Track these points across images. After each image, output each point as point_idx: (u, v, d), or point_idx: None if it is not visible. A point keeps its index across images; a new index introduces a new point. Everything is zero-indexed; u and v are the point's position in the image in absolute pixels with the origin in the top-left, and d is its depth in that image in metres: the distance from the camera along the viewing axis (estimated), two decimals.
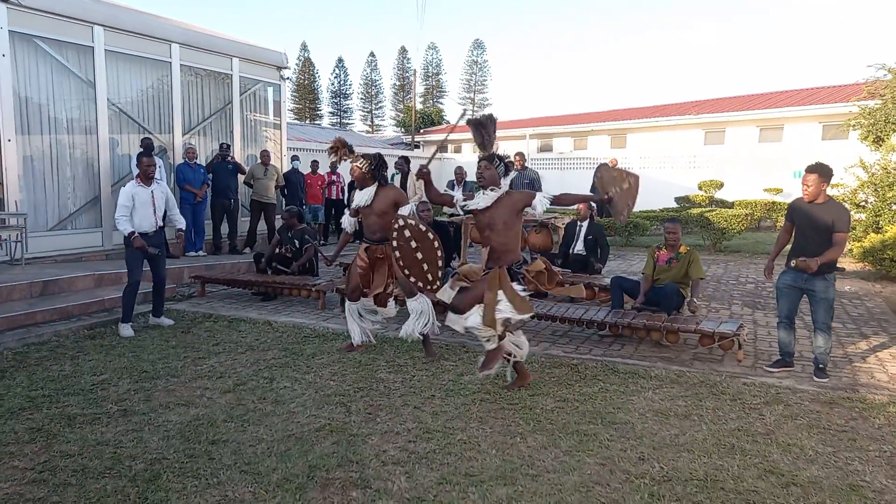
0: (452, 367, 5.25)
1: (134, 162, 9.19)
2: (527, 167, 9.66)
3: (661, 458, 3.62)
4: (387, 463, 3.55)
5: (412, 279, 5.03)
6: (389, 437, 3.90)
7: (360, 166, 5.43)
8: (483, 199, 4.61)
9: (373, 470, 3.46)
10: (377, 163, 5.47)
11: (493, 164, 4.62)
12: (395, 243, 4.98)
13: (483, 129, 4.69)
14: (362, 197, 5.48)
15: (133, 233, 6.14)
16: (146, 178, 6.35)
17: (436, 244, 4.94)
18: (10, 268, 7.87)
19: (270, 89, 12.61)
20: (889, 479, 3.39)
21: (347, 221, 5.84)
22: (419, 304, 5.41)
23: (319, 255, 7.49)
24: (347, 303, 5.79)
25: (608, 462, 3.57)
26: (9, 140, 8.18)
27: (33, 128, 8.58)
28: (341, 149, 5.53)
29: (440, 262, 4.95)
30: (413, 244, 4.94)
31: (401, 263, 5.01)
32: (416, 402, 4.47)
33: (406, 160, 11.16)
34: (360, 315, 5.76)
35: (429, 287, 5.03)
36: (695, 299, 5.99)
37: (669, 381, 4.90)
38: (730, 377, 5.00)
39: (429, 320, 5.40)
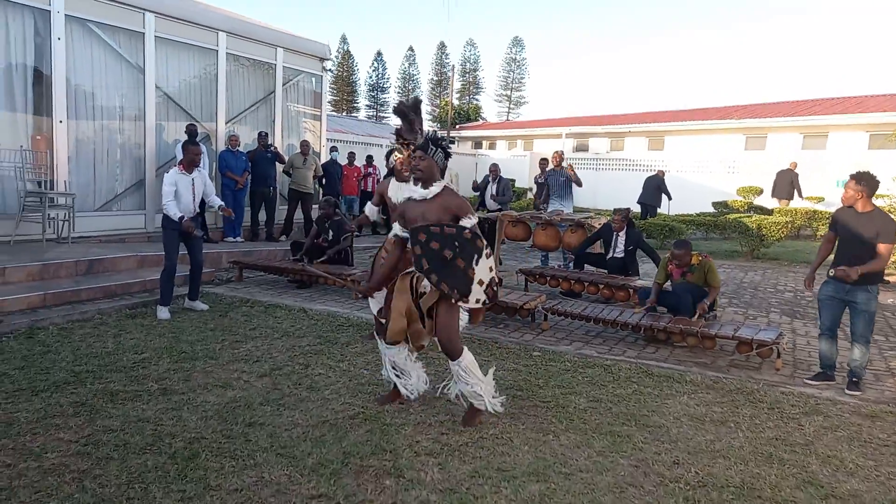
0: (485, 363, 5.23)
1: (178, 147, 9.39)
2: (563, 166, 9.60)
3: (697, 463, 3.58)
4: (420, 453, 3.57)
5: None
6: (422, 427, 3.93)
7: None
8: (419, 192, 3.97)
9: (406, 459, 3.49)
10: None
11: (428, 154, 3.92)
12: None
13: (404, 116, 4.44)
14: (405, 191, 5.48)
15: (183, 217, 6.27)
16: (191, 165, 6.47)
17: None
18: (57, 245, 8.11)
19: (312, 80, 12.75)
20: None
21: (370, 208, 5.84)
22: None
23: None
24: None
25: (642, 464, 3.54)
26: (60, 121, 8.42)
27: (84, 111, 8.82)
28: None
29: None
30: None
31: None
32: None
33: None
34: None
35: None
36: (706, 301, 5.96)
37: (705, 387, 4.84)
38: (767, 385, 4.92)
39: None
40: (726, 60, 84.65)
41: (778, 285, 9.50)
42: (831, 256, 5.17)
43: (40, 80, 8.36)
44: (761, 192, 19.06)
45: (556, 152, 9.65)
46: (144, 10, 9.25)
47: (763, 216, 13.49)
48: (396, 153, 5.03)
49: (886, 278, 5.26)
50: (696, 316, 5.84)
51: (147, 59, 9.40)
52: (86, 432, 3.68)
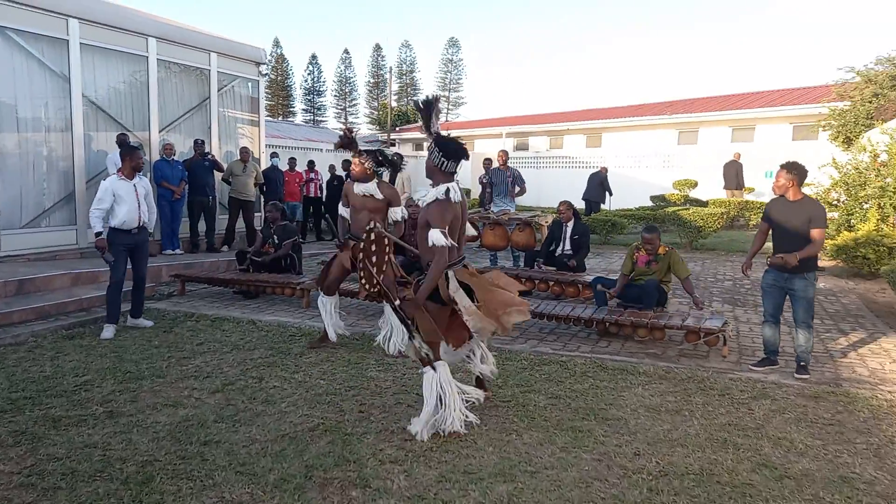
0: None
1: (110, 158, 9.00)
2: (509, 165, 9.67)
3: (657, 453, 3.65)
4: (384, 462, 3.53)
5: (362, 280, 5.17)
6: (385, 435, 3.88)
7: (363, 162, 5.41)
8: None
9: (371, 469, 3.44)
10: (380, 160, 5.47)
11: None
12: (361, 245, 5.10)
13: (426, 112, 4.51)
14: (362, 189, 5.46)
15: (100, 234, 5.99)
16: (136, 171, 6.22)
17: (387, 251, 5.08)
18: None
19: (248, 85, 12.45)
20: (878, 470, 3.47)
21: (343, 209, 5.79)
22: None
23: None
24: (322, 297, 5.77)
25: (605, 458, 3.59)
26: None
27: (6, 123, 8.34)
28: (350, 140, 5.53)
29: (384, 268, 5.10)
30: (373, 248, 5.07)
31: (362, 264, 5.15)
32: (409, 400, 4.45)
33: (400, 157, 11.10)
34: (334, 312, 5.77)
35: (367, 288, 5.18)
36: (695, 294, 6.12)
37: (658, 378, 4.95)
38: (716, 373, 5.07)
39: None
40: (659, 58, 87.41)
41: (717, 274, 9.83)
42: (768, 244, 5.37)
43: None
44: (696, 184, 19.71)
45: (501, 151, 9.71)
46: (68, 16, 8.83)
47: (699, 208, 13.96)
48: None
49: (821, 265, 5.50)
50: (694, 308, 6.13)
51: (73, 67, 8.97)
52: (28, 462, 3.48)
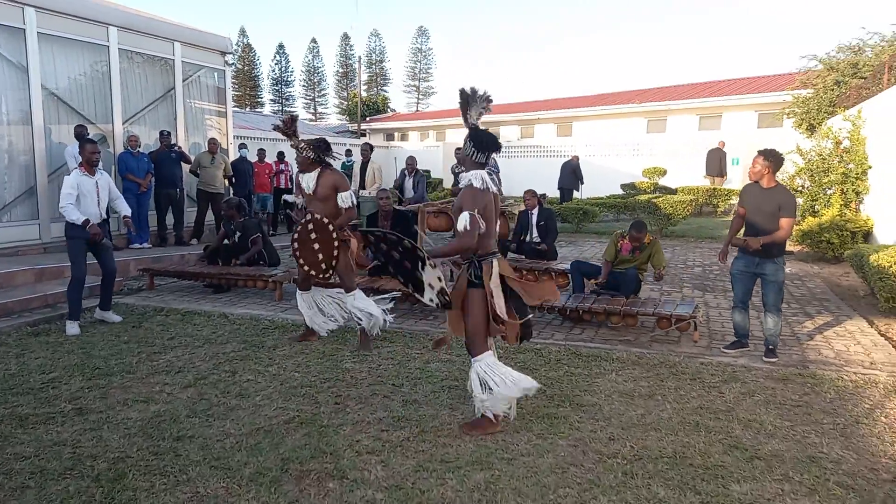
0: (418, 356, 5.23)
1: (69, 150, 8.78)
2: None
3: (631, 437, 3.70)
4: (361, 453, 3.52)
5: (305, 267, 5.36)
6: (361, 426, 3.86)
7: (302, 151, 5.36)
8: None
9: (347, 460, 3.42)
10: (320, 147, 5.39)
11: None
12: (295, 235, 5.33)
13: (467, 103, 4.51)
14: (306, 182, 5.41)
15: (87, 221, 5.86)
16: (90, 165, 6.06)
17: (334, 236, 5.28)
18: None
19: (215, 75, 12.24)
20: (844, 449, 3.56)
21: (293, 198, 5.77)
22: (357, 302, 5.50)
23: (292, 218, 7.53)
24: (300, 293, 5.72)
25: (580, 443, 3.63)
26: None
27: None
28: (291, 126, 5.48)
29: (335, 254, 5.30)
30: (313, 235, 5.24)
31: (297, 252, 5.34)
32: (385, 391, 4.44)
33: (370, 147, 11.05)
34: (317, 306, 5.72)
35: (321, 276, 5.38)
36: (660, 270, 6.26)
37: (631, 363, 5.02)
38: (688, 357, 5.16)
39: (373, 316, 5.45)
40: (629, 48, 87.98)
41: (687, 261, 9.98)
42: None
43: None
44: (665, 172, 19.95)
45: None
46: (24, 4, 8.55)
47: (669, 196, 14.15)
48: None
49: (789, 249, 5.58)
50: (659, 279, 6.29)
51: (30, 57, 8.70)
52: None
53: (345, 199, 5.41)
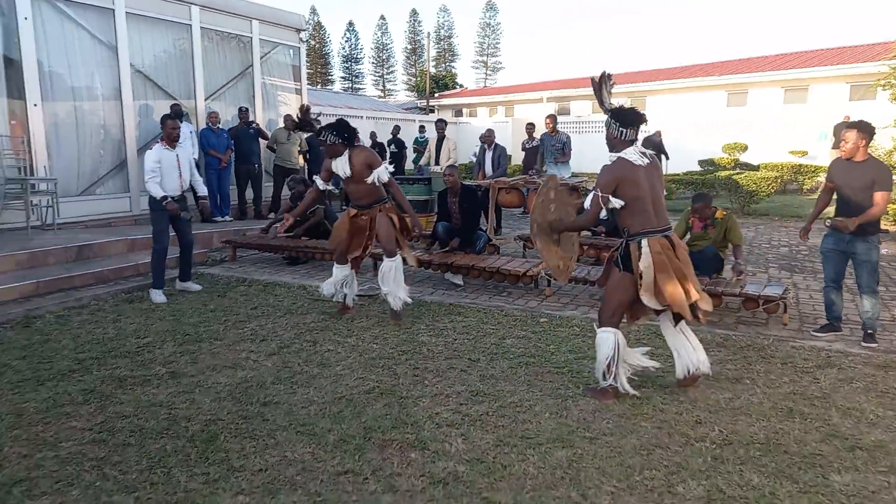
0: (493, 332, 5.21)
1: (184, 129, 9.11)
2: (558, 130, 9.47)
3: (719, 421, 3.58)
4: (441, 425, 3.53)
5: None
6: (440, 399, 3.88)
7: (327, 138, 5.33)
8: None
9: (428, 432, 3.45)
10: (342, 128, 5.35)
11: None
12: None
13: (599, 88, 4.27)
14: (339, 167, 5.39)
15: (165, 197, 6.10)
16: (170, 140, 6.28)
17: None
18: (42, 233, 7.88)
19: (290, 52, 12.44)
20: None
21: (319, 182, 5.70)
22: (393, 263, 5.48)
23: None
24: (338, 266, 5.73)
25: (665, 426, 3.53)
26: (34, 105, 8.13)
27: (58, 92, 8.51)
28: (304, 122, 5.55)
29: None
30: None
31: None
32: (462, 365, 4.45)
33: (444, 123, 10.97)
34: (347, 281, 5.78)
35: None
36: (740, 262, 5.85)
37: (716, 345, 4.84)
38: (777, 341, 4.93)
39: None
40: (707, 17, 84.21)
41: (772, 240, 9.54)
42: (830, 208, 5.15)
43: (10, 63, 8.02)
44: (746, 148, 19.09)
45: (549, 116, 9.51)
46: None
47: (752, 172, 13.53)
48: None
49: (885, 228, 5.22)
50: (735, 279, 5.76)
51: (119, 36, 9.06)
52: (98, 419, 3.59)
53: (381, 174, 5.37)
